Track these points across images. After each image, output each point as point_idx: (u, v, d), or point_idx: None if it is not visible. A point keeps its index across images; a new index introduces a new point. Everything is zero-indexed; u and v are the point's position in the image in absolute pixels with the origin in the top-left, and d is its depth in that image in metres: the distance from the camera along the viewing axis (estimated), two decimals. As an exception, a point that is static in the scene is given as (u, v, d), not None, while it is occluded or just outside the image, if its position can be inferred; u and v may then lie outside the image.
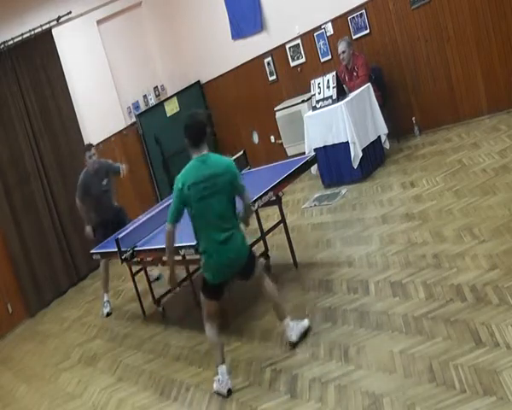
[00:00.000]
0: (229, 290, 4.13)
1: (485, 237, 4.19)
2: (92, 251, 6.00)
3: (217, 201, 3.64)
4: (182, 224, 5.26)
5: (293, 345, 3.95)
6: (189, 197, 3.61)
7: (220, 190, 3.63)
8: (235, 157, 6.02)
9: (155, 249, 4.95)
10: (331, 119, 6.51)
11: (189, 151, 3.75)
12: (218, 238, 3.67)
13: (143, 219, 5.71)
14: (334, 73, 6.64)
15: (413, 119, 7.15)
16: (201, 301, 3.92)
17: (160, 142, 9.18)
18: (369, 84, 6.73)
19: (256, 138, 9.10)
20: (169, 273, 4.01)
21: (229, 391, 3.78)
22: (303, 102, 7.68)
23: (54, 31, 8.21)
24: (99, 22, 8.90)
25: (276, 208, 5.32)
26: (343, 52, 6.89)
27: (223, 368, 3.82)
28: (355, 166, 6.47)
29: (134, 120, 9.18)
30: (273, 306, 4.04)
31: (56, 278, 7.89)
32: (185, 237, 4.72)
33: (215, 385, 3.87)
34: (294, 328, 3.95)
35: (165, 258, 4.95)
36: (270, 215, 6.29)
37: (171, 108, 9.39)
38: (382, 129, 6.77)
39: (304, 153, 6.86)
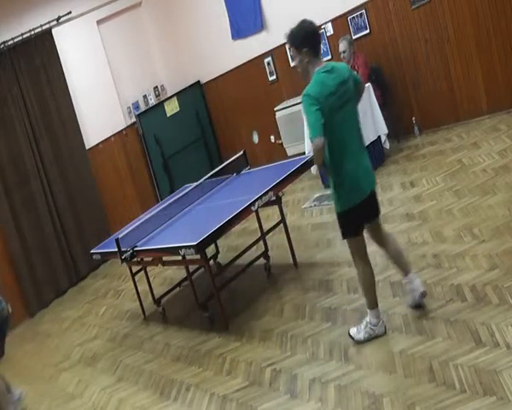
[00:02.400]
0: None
1: (485, 237, 4.19)
2: (92, 251, 6.00)
3: (350, 108, 3.39)
4: (180, 224, 5.30)
5: (424, 294, 3.67)
6: (327, 109, 3.23)
7: (350, 97, 3.38)
8: (235, 157, 6.05)
9: (155, 249, 4.94)
10: (331, 119, 6.49)
11: (306, 67, 3.36)
12: (358, 147, 3.42)
13: (143, 219, 5.71)
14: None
15: (413, 119, 7.16)
16: (350, 245, 3.59)
17: (160, 142, 9.18)
18: (369, 84, 6.73)
19: (256, 138, 9.10)
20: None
21: (385, 328, 3.62)
22: (303, 102, 7.68)
23: (54, 31, 8.20)
24: (99, 22, 8.89)
25: (276, 208, 5.32)
26: (343, 51, 6.89)
27: (376, 311, 3.60)
28: (355, 166, 6.45)
29: (134, 120, 9.17)
30: (396, 259, 3.71)
31: (56, 278, 7.88)
32: (185, 236, 4.75)
33: (362, 333, 3.61)
34: (419, 282, 3.66)
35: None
36: (270, 215, 6.29)
37: (171, 108, 9.39)
38: (382, 129, 6.76)
39: (304, 153, 6.86)
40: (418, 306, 3.72)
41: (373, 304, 3.63)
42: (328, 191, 6.66)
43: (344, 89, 3.32)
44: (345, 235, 3.58)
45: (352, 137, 3.40)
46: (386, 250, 3.75)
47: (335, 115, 3.28)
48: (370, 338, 3.63)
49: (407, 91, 7.14)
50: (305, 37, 3.31)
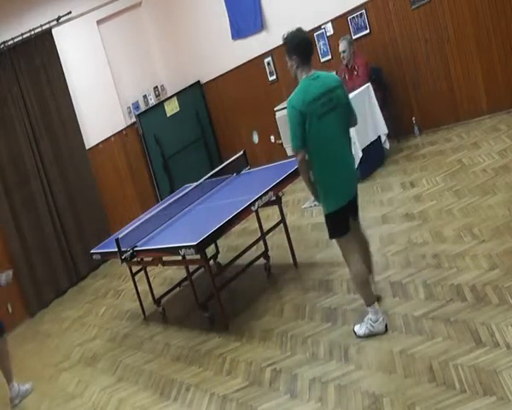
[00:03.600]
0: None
1: (485, 237, 4.19)
2: (92, 251, 6.00)
3: (336, 115, 3.49)
4: (180, 224, 5.30)
5: (379, 299, 3.90)
6: (309, 116, 3.41)
7: (337, 105, 3.50)
8: (235, 157, 6.06)
9: (155, 249, 4.94)
10: (331, 119, 6.49)
11: (295, 72, 3.58)
12: (341, 154, 3.54)
13: (143, 219, 5.71)
14: (333, 73, 6.63)
15: (413, 119, 7.15)
16: (339, 247, 3.73)
17: (160, 142, 9.18)
18: (369, 84, 6.73)
19: (256, 138, 9.10)
20: (312, 193, 3.74)
21: (386, 326, 3.67)
22: (303, 102, 7.67)
23: (54, 31, 8.21)
24: (99, 22, 8.89)
25: (276, 208, 5.32)
26: (343, 51, 6.88)
27: (375, 307, 3.66)
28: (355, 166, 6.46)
29: (134, 120, 9.17)
30: (365, 259, 3.90)
31: (56, 278, 7.88)
32: (185, 236, 4.75)
33: (364, 329, 3.71)
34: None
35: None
36: (270, 215, 6.29)
37: (171, 108, 9.39)
38: (382, 129, 6.76)
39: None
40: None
41: (370, 301, 3.69)
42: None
43: (329, 97, 3.46)
44: (332, 235, 3.72)
45: (337, 144, 3.52)
46: (363, 249, 3.92)
47: (319, 121, 3.42)
48: (370, 335, 3.68)
49: (407, 91, 7.14)
50: (297, 44, 3.50)
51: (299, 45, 3.50)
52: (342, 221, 3.62)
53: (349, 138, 3.65)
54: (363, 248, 3.89)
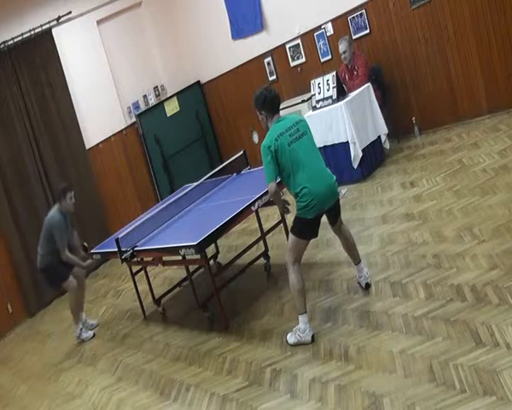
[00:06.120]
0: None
1: (485, 237, 4.19)
2: (92, 251, 5.99)
3: (305, 139, 3.96)
4: (180, 224, 5.30)
5: (368, 286, 4.24)
6: (279, 147, 3.83)
7: (304, 132, 3.98)
8: (235, 157, 6.06)
9: (155, 249, 4.94)
10: (331, 119, 6.51)
11: (266, 123, 4.04)
12: (317, 168, 3.93)
13: (143, 219, 5.71)
14: (334, 73, 6.64)
15: (413, 119, 7.15)
16: (291, 244, 3.99)
17: (160, 142, 9.19)
18: (369, 84, 6.73)
19: (256, 138, 9.10)
20: (280, 208, 4.25)
21: (313, 337, 3.90)
22: (303, 102, 7.68)
23: (54, 31, 8.21)
24: (99, 22, 8.90)
25: (276, 208, 5.31)
26: (344, 52, 6.89)
27: (305, 317, 3.93)
28: (355, 166, 6.47)
29: (134, 120, 9.18)
30: (349, 249, 4.27)
31: (56, 278, 7.87)
32: (185, 236, 4.75)
33: (293, 338, 3.97)
34: (367, 273, 4.28)
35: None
36: (270, 215, 6.30)
37: (171, 108, 9.40)
38: (382, 129, 6.77)
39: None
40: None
41: (301, 310, 3.94)
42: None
43: (295, 128, 3.95)
44: (294, 231, 3.98)
45: (311, 163, 3.91)
46: (340, 240, 4.29)
47: (288, 149, 3.85)
48: (298, 344, 3.92)
49: (407, 91, 7.14)
50: (263, 102, 4.00)
51: (265, 103, 3.99)
52: (309, 228, 3.94)
53: (321, 159, 4.05)
54: (348, 240, 4.23)
